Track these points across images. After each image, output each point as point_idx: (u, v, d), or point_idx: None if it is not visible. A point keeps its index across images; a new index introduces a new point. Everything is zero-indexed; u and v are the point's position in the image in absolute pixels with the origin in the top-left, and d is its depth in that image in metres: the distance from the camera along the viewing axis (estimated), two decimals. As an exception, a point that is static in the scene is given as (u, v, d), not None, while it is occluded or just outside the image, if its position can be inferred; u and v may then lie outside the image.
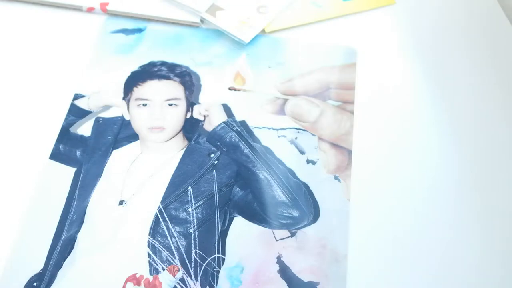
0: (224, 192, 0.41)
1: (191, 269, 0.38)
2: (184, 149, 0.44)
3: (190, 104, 0.46)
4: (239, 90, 0.47)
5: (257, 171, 0.41)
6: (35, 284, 0.37)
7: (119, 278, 0.37)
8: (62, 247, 0.38)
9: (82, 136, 0.44)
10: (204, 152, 0.43)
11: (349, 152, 0.44)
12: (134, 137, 0.44)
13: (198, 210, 0.40)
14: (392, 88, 0.49)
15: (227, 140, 0.43)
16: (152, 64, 0.48)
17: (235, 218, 0.40)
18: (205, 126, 0.45)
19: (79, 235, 0.39)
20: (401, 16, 0.55)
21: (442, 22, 0.55)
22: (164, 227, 0.39)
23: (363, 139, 0.45)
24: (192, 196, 0.41)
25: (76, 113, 0.45)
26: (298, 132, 0.45)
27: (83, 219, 0.40)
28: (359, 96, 0.47)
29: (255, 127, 0.45)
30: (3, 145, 0.43)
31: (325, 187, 0.42)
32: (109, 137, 0.44)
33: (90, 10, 0.52)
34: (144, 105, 0.44)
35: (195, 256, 0.38)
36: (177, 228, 0.39)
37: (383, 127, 0.46)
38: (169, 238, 0.39)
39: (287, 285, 0.37)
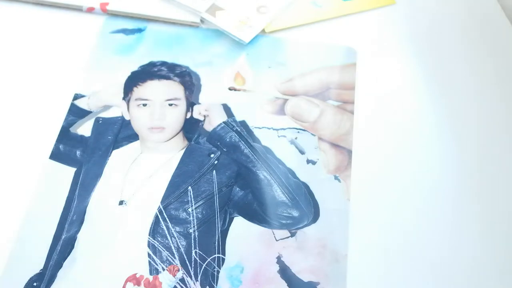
0: (224, 192, 0.41)
1: (191, 269, 0.38)
2: (184, 149, 0.44)
3: (190, 104, 0.46)
4: (239, 90, 0.47)
5: (257, 171, 0.41)
6: (35, 284, 0.37)
7: (119, 278, 0.37)
8: (62, 247, 0.38)
9: (82, 136, 0.44)
10: (204, 152, 0.43)
11: (349, 152, 0.44)
12: (134, 137, 0.44)
13: (198, 210, 0.40)
14: (392, 88, 0.49)
15: (227, 140, 0.43)
16: (152, 64, 0.48)
17: (235, 218, 0.40)
18: (205, 126, 0.45)
19: (79, 235, 0.39)
20: (401, 16, 0.55)
21: (442, 22, 0.55)
22: (164, 227, 0.39)
23: (363, 139, 0.45)
24: (192, 196, 0.41)
25: (76, 113, 0.45)
26: (298, 132, 0.45)
27: (83, 219, 0.40)
28: (359, 96, 0.47)
29: (255, 127, 0.45)
30: (3, 145, 0.43)
31: (325, 187, 0.42)
32: (109, 137, 0.44)
33: (90, 10, 0.52)
34: (144, 105, 0.44)
35: (195, 256, 0.38)
36: (177, 228, 0.39)
37: (383, 127, 0.46)
38: (169, 238, 0.39)
39: (287, 285, 0.37)
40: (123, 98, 0.46)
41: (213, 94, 0.47)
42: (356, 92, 0.48)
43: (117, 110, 0.46)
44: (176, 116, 0.44)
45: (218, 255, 0.39)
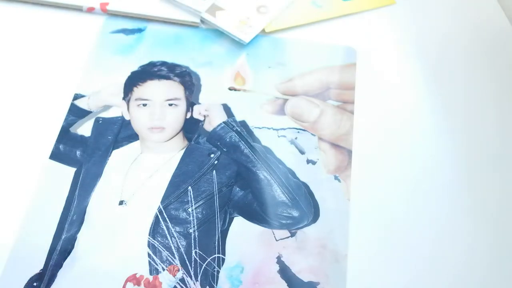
0: (224, 192, 0.41)
1: (191, 269, 0.38)
2: (184, 149, 0.44)
3: (190, 104, 0.46)
4: (239, 90, 0.48)
5: (257, 171, 0.41)
6: (35, 284, 0.37)
7: (119, 278, 0.37)
8: (62, 247, 0.38)
9: (82, 136, 0.44)
10: (204, 152, 0.43)
11: (349, 152, 0.44)
12: (134, 137, 0.44)
13: (198, 210, 0.40)
14: (392, 88, 0.49)
15: (227, 140, 0.43)
16: (152, 64, 0.48)
17: (235, 218, 0.40)
18: (205, 126, 0.45)
19: (79, 235, 0.39)
20: (401, 16, 0.55)
21: (442, 22, 0.55)
22: (164, 227, 0.39)
23: (363, 139, 0.45)
24: (192, 196, 0.41)
25: (76, 113, 0.45)
26: (298, 132, 0.45)
27: (83, 219, 0.40)
28: (359, 96, 0.47)
29: (255, 127, 0.45)
30: (3, 145, 0.43)
31: (325, 187, 0.42)
32: (109, 137, 0.44)
33: (90, 10, 0.52)
34: (144, 105, 0.44)
35: (195, 256, 0.38)
36: (177, 228, 0.39)
37: (383, 127, 0.46)
38: (169, 238, 0.39)
39: (287, 285, 0.37)
40: (123, 98, 0.46)
41: (213, 94, 0.47)
42: (356, 92, 0.48)
43: (117, 110, 0.46)
44: (176, 116, 0.44)
45: (218, 255, 0.39)
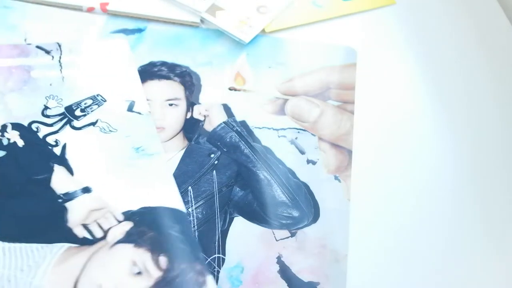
0: (224, 192, 0.41)
1: (191, 269, 0.38)
2: (184, 149, 0.44)
3: (190, 104, 0.46)
4: (239, 90, 0.47)
5: (257, 171, 0.41)
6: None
7: (119, 278, 0.37)
8: (62, 247, 0.38)
9: (82, 136, 0.44)
10: (204, 152, 0.43)
11: (349, 152, 0.44)
12: (134, 137, 0.44)
13: (198, 210, 0.40)
14: (392, 88, 0.49)
15: (227, 140, 0.43)
16: (152, 64, 0.48)
17: (235, 218, 0.40)
18: (205, 126, 0.45)
19: (79, 235, 0.39)
20: (401, 16, 0.55)
21: (442, 22, 0.55)
22: (164, 227, 0.39)
23: (363, 139, 0.45)
24: (192, 196, 0.41)
25: (76, 113, 0.45)
26: (298, 132, 0.45)
27: (83, 219, 0.40)
28: (359, 96, 0.47)
29: (255, 127, 0.45)
30: (3, 145, 0.43)
31: (325, 187, 0.42)
32: (109, 137, 0.44)
33: (90, 10, 0.52)
34: (144, 105, 0.44)
35: (195, 256, 0.38)
36: (177, 228, 0.39)
37: (383, 127, 0.46)
38: (169, 238, 0.39)
39: (287, 285, 0.37)
40: (123, 98, 0.46)
41: (213, 94, 0.47)
42: (356, 92, 0.48)
43: (117, 110, 0.46)
44: (176, 116, 0.44)
45: (218, 255, 0.38)
